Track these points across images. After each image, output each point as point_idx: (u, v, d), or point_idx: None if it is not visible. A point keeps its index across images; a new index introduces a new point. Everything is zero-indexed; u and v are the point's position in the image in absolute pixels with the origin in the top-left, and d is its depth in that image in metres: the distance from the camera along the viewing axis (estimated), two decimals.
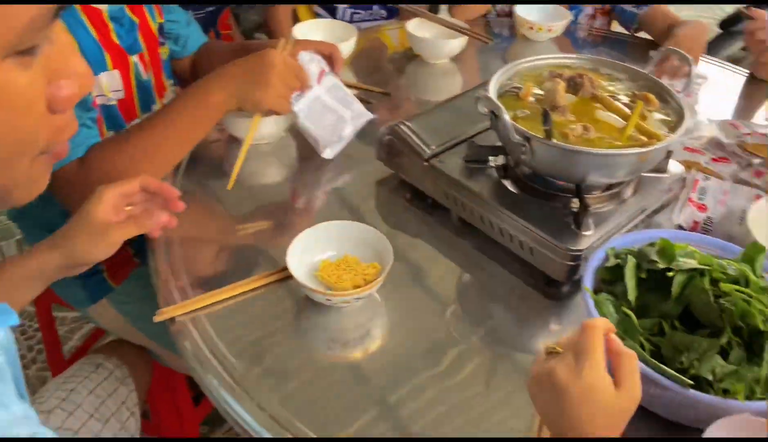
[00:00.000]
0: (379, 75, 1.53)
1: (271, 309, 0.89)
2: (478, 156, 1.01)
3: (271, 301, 0.90)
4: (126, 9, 1.10)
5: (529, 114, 0.95)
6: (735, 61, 1.91)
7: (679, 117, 0.94)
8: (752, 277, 0.77)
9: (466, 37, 1.49)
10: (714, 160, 1.15)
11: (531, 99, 0.97)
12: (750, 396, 0.69)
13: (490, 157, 1.01)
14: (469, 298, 0.96)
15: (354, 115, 1.20)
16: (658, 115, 0.96)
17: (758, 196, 1.01)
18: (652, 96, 0.97)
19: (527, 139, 0.87)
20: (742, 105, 1.48)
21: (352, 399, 0.79)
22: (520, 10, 1.61)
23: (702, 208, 1.02)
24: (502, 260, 0.99)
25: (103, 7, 1.05)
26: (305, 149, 1.21)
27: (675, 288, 0.76)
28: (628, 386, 0.60)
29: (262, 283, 0.91)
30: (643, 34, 1.76)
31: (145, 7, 1.16)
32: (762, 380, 0.70)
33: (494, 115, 0.92)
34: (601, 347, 0.61)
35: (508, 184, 0.99)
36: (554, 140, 0.86)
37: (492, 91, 0.95)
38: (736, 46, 2.61)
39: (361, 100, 1.26)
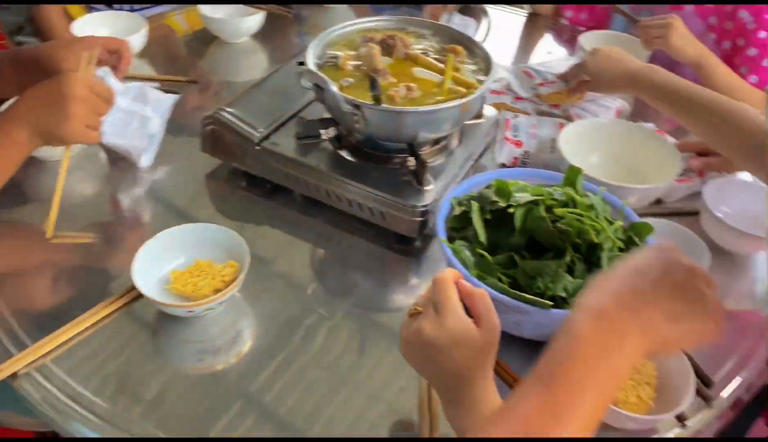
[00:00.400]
0: (178, 63, 1.44)
1: (128, 334, 0.82)
2: (309, 131, 1.00)
3: (126, 326, 0.83)
4: None
5: (353, 82, 0.95)
6: (510, 2, 2.08)
7: (487, 63, 1.00)
8: (578, 197, 0.86)
9: (264, 12, 1.45)
10: (517, 98, 1.25)
11: (350, 67, 0.98)
12: None
13: (322, 131, 1.01)
14: (329, 273, 0.97)
15: (155, 107, 1.11)
16: (469, 65, 1.02)
17: (561, 125, 1.12)
18: (459, 48, 1.02)
19: (358, 107, 0.88)
20: (525, 45, 1.62)
21: (236, 404, 0.76)
22: None
23: (518, 144, 1.11)
24: (353, 228, 1.00)
25: None
26: (116, 155, 1.11)
27: (517, 222, 0.82)
28: (486, 321, 0.64)
29: (111, 309, 0.83)
30: None
31: None
32: None
33: (319, 88, 0.91)
34: (455, 295, 0.65)
35: (344, 154, 1.00)
36: (384, 105, 0.88)
37: (311, 64, 0.94)
38: None
39: (167, 92, 1.19)
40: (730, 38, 1.39)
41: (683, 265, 0.53)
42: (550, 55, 1.52)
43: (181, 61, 1.46)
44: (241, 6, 1.47)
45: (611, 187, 0.93)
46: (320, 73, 0.88)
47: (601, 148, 1.09)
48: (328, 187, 0.97)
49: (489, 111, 1.10)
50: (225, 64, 1.44)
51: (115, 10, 1.56)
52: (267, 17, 1.47)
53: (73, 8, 1.69)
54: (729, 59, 1.38)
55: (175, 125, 1.13)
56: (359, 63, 0.99)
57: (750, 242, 0.96)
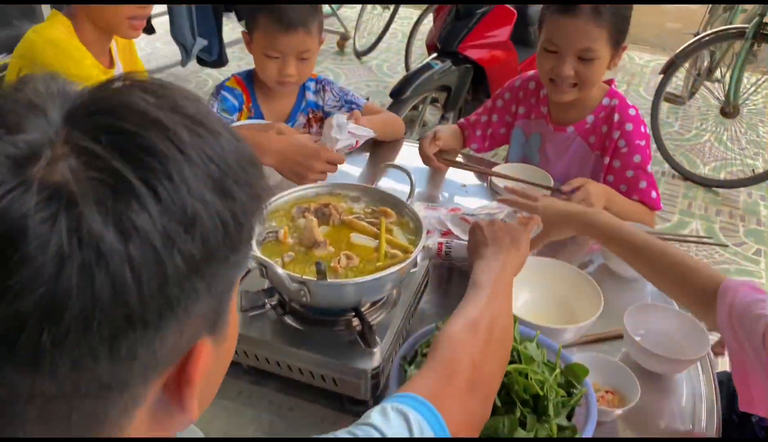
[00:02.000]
0: None
1: None
2: (254, 303, 1.03)
3: None
4: None
5: (294, 256, 1.00)
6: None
7: (416, 223, 1.08)
8: (520, 348, 0.92)
9: None
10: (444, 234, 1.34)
11: (290, 240, 1.03)
12: None
13: (266, 300, 1.04)
14: None
15: None
16: (401, 226, 1.09)
17: None
18: (389, 210, 1.10)
19: (304, 283, 0.92)
20: (435, 179, 1.71)
21: None
22: None
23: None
24: (305, 393, 1.01)
25: None
26: None
27: None
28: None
29: None
30: None
31: None
32: (554, 433, 0.84)
33: (264, 267, 0.95)
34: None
35: (289, 320, 1.03)
36: (329, 279, 0.92)
37: (254, 243, 0.98)
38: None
39: None
40: (609, 155, 1.57)
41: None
42: (465, 188, 1.63)
43: None
44: None
45: (546, 330, 1.00)
46: (263, 257, 0.92)
47: (529, 285, 1.17)
48: (277, 357, 0.99)
49: (421, 256, 1.17)
50: None
51: None
52: None
53: None
54: (608, 176, 1.58)
55: None
56: (298, 236, 1.04)
57: (670, 364, 1.05)
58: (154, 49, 5.00)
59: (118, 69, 1.64)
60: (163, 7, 3.51)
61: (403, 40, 5.12)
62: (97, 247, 0.36)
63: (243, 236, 0.44)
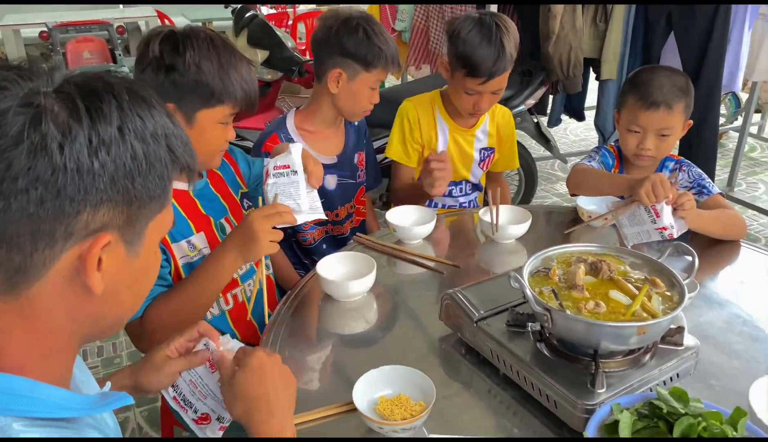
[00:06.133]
0: (454, 250, 1.82)
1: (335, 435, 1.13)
2: (517, 321, 1.24)
3: (333, 428, 1.13)
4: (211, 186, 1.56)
5: (551, 289, 1.17)
6: None
7: (680, 296, 1.12)
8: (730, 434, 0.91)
9: (529, 222, 1.76)
10: None
11: (557, 278, 1.20)
12: None
13: (529, 324, 1.23)
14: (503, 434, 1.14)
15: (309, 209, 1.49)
16: (664, 297, 1.15)
17: None
18: (658, 280, 1.17)
19: (547, 309, 1.09)
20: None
21: None
22: (580, 201, 1.87)
23: None
24: (535, 410, 1.17)
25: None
26: (383, 308, 1.48)
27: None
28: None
29: (328, 414, 1.14)
30: None
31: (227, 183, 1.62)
32: None
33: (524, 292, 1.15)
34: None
35: (541, 348, 1.20)
36: (568, 312, 1.08)
37: (525, 272, 1.20)
38: None
39: (435, 270, 1.56)
40: None
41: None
42: None
43: (458, 249, 1.84)
44: (513, 213, 1.80)
45: None
46: (522, 278, 1.13)
47: None
48: (520, 369, 1.18)
49: (691, 341, 1.18)
50: (488, 258, 1.77)
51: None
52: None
53: None
54: None
55: (431, 296, 1.47)
56: (565, 277, 1.21)
57: None
58: (577, 134, 5.61)
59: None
60: (594, 101, 3.90)
61: None
62: (44, 138, 0.57)
63: (155, 176, 0.64)
